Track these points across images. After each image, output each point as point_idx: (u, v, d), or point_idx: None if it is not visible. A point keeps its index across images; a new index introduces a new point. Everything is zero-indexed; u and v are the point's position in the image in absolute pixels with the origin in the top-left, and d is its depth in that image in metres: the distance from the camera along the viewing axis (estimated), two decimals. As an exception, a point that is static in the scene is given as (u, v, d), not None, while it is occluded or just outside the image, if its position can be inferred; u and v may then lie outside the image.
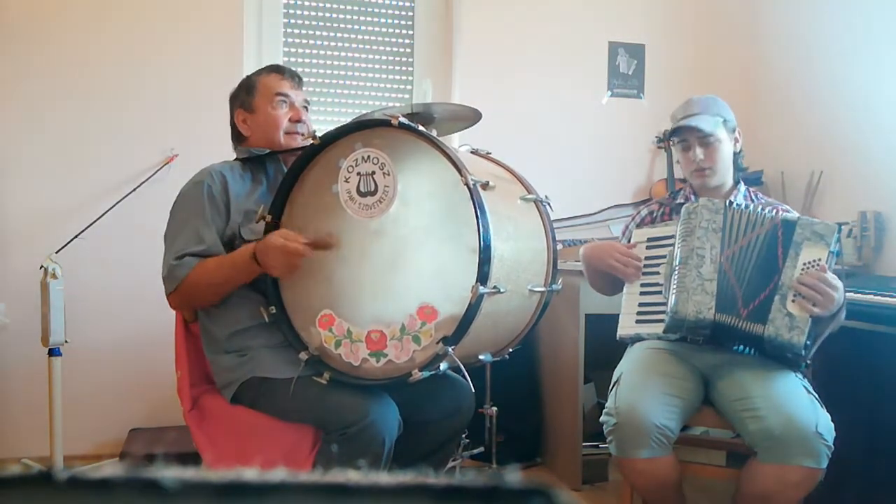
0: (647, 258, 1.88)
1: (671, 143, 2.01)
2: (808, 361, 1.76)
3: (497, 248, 1.45)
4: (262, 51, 3.07)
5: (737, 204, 1.82)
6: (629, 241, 1.97)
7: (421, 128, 1.51)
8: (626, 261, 1.88)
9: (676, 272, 1.75)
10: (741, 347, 1.81)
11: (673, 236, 1.83)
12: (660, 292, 1.82)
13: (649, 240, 1.90)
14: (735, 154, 1.97)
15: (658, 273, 1.84)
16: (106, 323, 2.80)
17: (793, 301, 1.66)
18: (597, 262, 1.95)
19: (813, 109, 3.03)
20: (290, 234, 1.53)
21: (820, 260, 1.67)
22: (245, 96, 1.81)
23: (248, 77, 1.86)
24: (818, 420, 1.58)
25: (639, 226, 2.03)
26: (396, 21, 3.24)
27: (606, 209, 3.24)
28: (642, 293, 1.86)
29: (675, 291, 1.74)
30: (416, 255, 1.51)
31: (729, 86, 3.05)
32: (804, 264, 1.68)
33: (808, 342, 1.65)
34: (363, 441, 1.49)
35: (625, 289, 1.90)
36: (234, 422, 1.68)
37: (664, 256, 1.84)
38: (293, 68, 1.88)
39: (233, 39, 2.92)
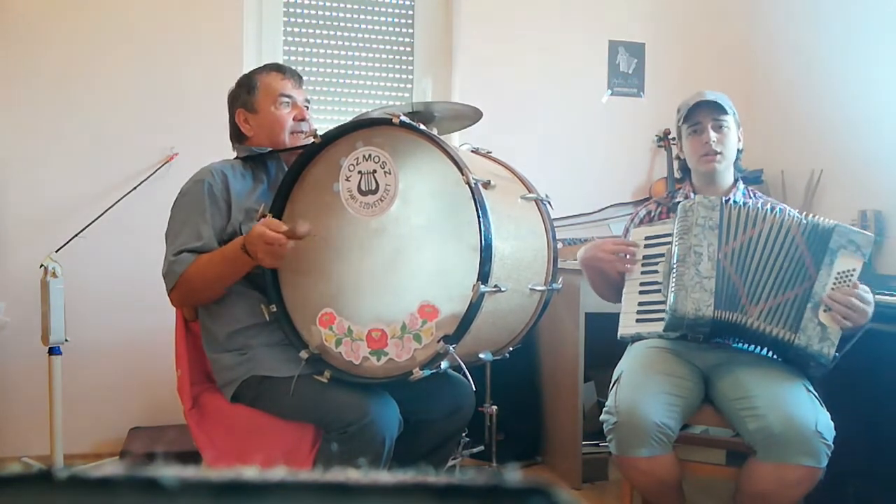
0: (645, 257, 1.88)
1: (679, 129, 2.00)
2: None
3: (498, 247, 1.45)
4: (262, 50, 3.06)
5: (734, 201, 1.82)
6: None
7: (422, 126, 1.51)
8: (617, 249, 1.88)
9: (675, 270, 1.76)
10: (754, 347, 1.81)
11: (670, 234, 1.83)
12: (659, 291, 1.82)
13: (647, 238, 1.90)
14: (738, 151, 1.98)
15: (657, 272, 1.84)
16: (106, 321, 2.80)
17: (825, 312, 1.64)
18: (594, 261, 1.95)
19: (813, 108, 3.03)
20: (274, 223, 1.51)
21: (854, 271, 1.64)
22: (246, 96, 1.80)
23: (246, 76, 1.84)
24: (818, 419, 1.58)
25: (637, 226, 2.03)
26: (396, 20, 3.23)
27: (606, 208, 3.24)
28: (641, 292, 1.86)
29: (673, 289, 1.74)
30: (418, 253, 1.51)
31: (729, 84, 3.04)
32: (838, 273, 1.65)
33: (837, 354, 1.65)
34: (363, 440, 1.50)
35: (624, 288, 1.89)
36: (234, 420, 1.68)
37: (663, 255, 1.84)
38: (293, 67, 1.87)
39: (233, 38, 2.91)
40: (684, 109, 1.96)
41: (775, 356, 1.79)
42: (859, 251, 1.65)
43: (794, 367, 1.74)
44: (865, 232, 1.69)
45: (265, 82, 1.80)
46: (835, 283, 1.65)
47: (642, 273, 1.87)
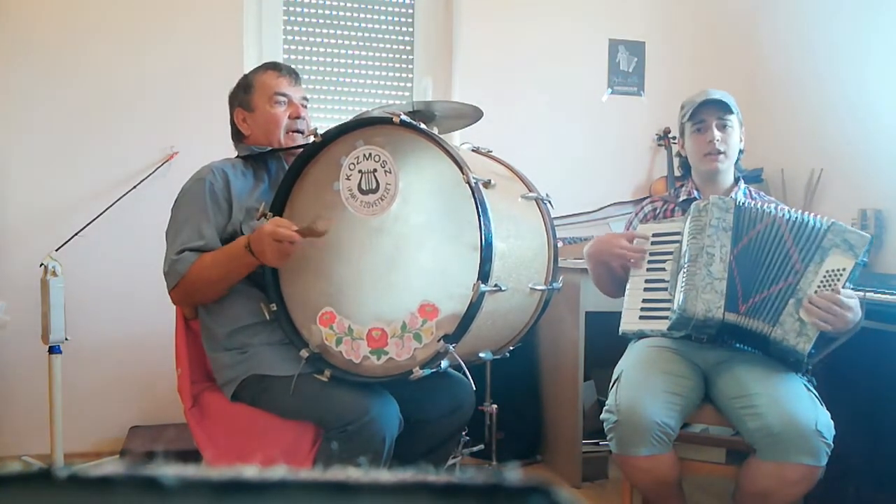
0: (651, 254, 1.87)
1: (683, 127, 1.99)
2: (809, 367, 1.76)
3: (498, 247, 1.45)
4: (262, 49, 3.06)
5: (746, 203, 1.81)
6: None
7: (422, 125, 1.50)
8: (627, 245, 1.88)
9: (685, 270, 1.74)
10: (741, 345, 1.81)
11: (678, 233, 1.83)
12: (664, 289, 1.81)
13: (654, 235, 1.89)
14: (739, 151, 1.98)
15: (664, 269, 1.83)
16: (106, 320, 2.80)
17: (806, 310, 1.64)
18: (601, 256, 1.94)
19: (813, 107, 3.02)
20: (283, 222, 1.52)
21: (844, 270, 1.63)
22: (243, 95, 1.81)
23: (245, 76, 1.86)
24: (818, 418, 1.58)
25: (643, 221, 2.03)
26: (396, 19, 3.23)
27: (606, 206, 3.24)
28: (646, 289, 1.86)
29: (683, 289, 1.73)
30: (418, 252, 1.51)
31: (729, 83, 3.03)
32: (827, 272, 1.64)
33: (813, 351, 1.64)
34: (364, 438, 1.50)
35: (628, 284, 1.89)
36: (234, 419, 1.68)
37: (670, 253, 1.84)
38: (291, 66, 1.87)
39: (233, 37, 2.91)
40: (689, 107, 1.95)
41: (755, 351, 1.79)
42: (852, 250, 1.63)
43: (783, 364, 1.74)
44: (862, 232, 1.67)
45: (261, 81, 1.80)
46: (822, 282, 1.64)
47: (648, 270, 1.86)
